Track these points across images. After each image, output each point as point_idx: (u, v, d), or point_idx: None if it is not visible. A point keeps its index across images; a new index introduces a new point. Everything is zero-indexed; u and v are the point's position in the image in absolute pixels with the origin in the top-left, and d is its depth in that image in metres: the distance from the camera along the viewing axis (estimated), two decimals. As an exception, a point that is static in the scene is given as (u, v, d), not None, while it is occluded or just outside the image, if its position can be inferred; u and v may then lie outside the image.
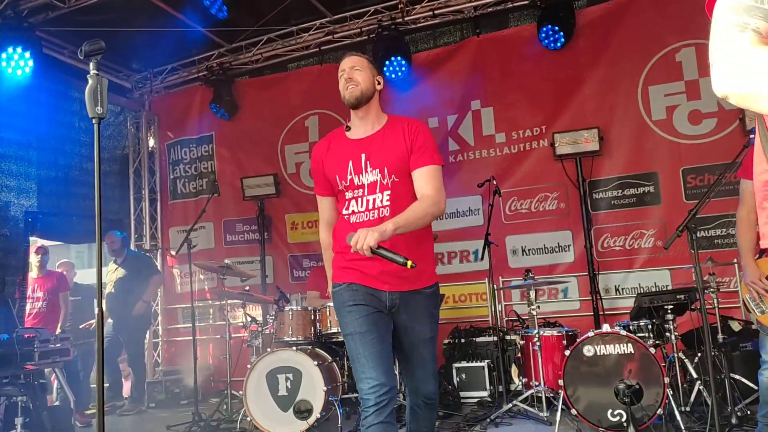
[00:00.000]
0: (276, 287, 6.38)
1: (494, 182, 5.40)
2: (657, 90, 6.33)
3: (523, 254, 6.78)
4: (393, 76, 6.93)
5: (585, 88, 6.60)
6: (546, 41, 6.51)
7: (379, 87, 2.76)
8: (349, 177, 2.67)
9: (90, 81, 2.08)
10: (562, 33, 6.43)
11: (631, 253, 6.38)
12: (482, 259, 5.76)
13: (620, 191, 6.45)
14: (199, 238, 7.77)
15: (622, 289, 6.40)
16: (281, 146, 7.85)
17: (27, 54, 5.87)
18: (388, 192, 2.62)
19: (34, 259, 6.46)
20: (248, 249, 7.92)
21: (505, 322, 6.60)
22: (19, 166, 6.73)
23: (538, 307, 5.06)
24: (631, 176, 6.40)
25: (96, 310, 5.87)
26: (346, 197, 2.70)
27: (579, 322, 6.02)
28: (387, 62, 6.86)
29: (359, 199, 2.66)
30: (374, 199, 2.63)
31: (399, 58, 6.90)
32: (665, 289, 6.06)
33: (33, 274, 6.50)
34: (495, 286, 5.88)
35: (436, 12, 6.96)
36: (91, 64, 2.08)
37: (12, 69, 5.87)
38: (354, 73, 2.69)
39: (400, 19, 7.02)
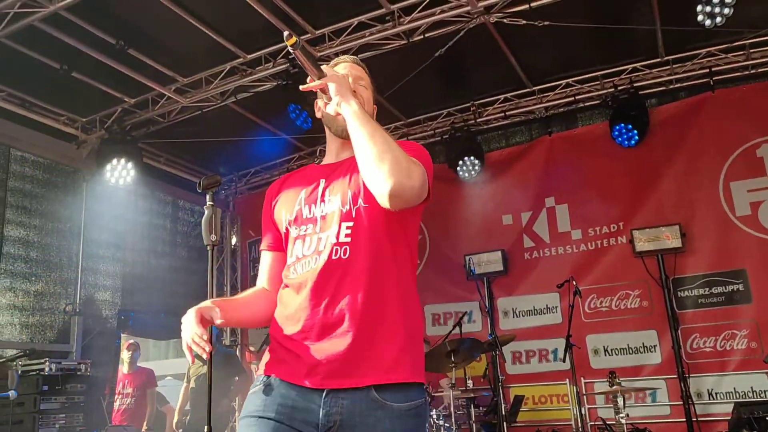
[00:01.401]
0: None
1: (574, 282, 5.33)
2: (739, 186, 6.20)
3: (605, 354, 6.55)
4: (466, 175, 7.12)
5: (663, 185, 6.54)
6: (620, 139, 6.56)
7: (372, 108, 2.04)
8: (296, 208, 1.89)
9: (206, 212, 2.26)
10: (635, 131, 6.48)
11: (724, 355, 6.05)
12: (564, 360, 5.60)
13: (707, 289, 6.21)
14: (276, 333, 7.92)
15: (716, 393, 6.02)
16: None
17: (129, 165, 6.39)
18: (349, 224, 1.76)
19: (125, 355, 6.72)
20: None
21: (590, 427, 6.30)
22: (114, 266, 7.18)
23: (627, 414, 4.84)
24: (718, 274, 6.18)
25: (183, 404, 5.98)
26: (291, 237, 1.88)
27: (671, 430, 5.69)
28: (460, 161, 7.07)
29: (306, 239, 1.82)
30: (327, 237, 1.77)
31: (472, 157, 7.09)
32: (764, 394, 5.68)
33: (124, 369, 6.74)
34: (577, 389, 5.67)
35: (507, 113, 7.17)
36: (207, 197, 2.27)
37: (115, 179, 6.38)
38: (360, 89, 1.96)
39: (473, 121, 7.26)
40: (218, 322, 1.85)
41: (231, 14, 5.45)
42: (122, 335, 7.02)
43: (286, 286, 1.86)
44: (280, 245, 1.98)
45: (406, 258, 1.83)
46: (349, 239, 1.75)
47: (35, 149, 6.46)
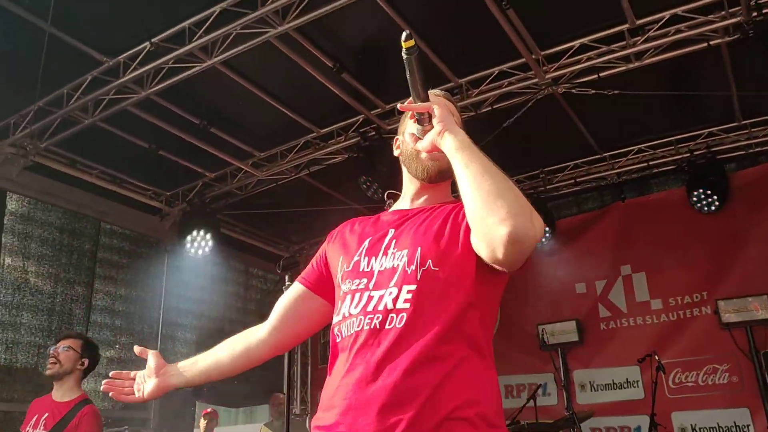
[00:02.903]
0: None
1: (656, 357, 5.09)
2: (833, 252, 5.84)
3: (693, 433, 6.13)
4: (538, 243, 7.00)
5: (747, 251, 6.23)
6: (699, 205, 6.35)
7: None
8: (355, 259, 1.62)
9: (285, 291, 2.34)
10: (715, 196, 6.26)
11: (828, 437, 5.56)
12: (648, 440, 5.29)
13: (804, 365, 5.78)
14: (346, 403, 7.86)
15: (822, 480, 5.51)
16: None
17: (208, 236, 6.67)
18: (411, 288, 1.48)
19: (202, 423, 6.81)
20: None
21: None
22: (190, 333, 7.41)
23: (722, 503, 4.48)
24: (815, 348, 5.75)
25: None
26: (341, 291, 1.61)
27: None
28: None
29: (356, 295, 1.55)
30: (381, 297, 1.50)
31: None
32: None
33: (200, 438, 6.83)
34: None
35: (578, 180, 7.09)
36: (287, 277, 2.35)
37: (194, 249, 6.66)
38: None
39: (542, 188, 7.21)
40: (174, 381, 1.82)
41: (305, 92, 5.72)
42: (197, 402, 7.14)
43: (336, 351, 1.58)
44: (315, 285, 1.77)
45: (478, 340, 1.49)
46: (408, 305, 1.45)
47: (123, 222, 6.87)
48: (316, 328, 1.81)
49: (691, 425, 6.15)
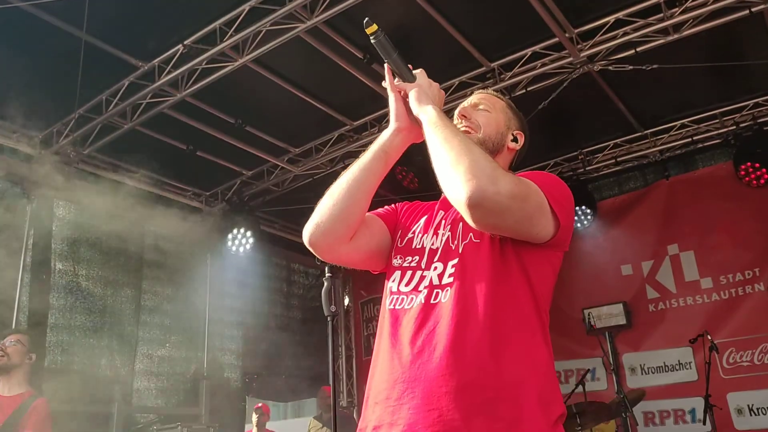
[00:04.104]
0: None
1: (709, 337, 4.94)
2: None
3: (751, 414, 5.93)
4: (579, 225, 6.88)
5: (801, 224, 6.00)
6: (747, 178, 6.12)
7: (513, 145, 1.78)
8: (409, 236, 1.73)
9: (326, 283, 2.34)
10: (764, 169, 6.03)
11: None
12: (704, 423, 5.14)
13: None
14: (392, 394, 7.89)
15: None
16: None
17: (248, 233, 6.75)
18: (454, 262, 1.55)
19: (254, 418, 6.91)
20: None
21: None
22: (237, 330, 7.53)
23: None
24: None
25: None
26: (392, 264, 1.70)
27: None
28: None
29: (407, 272, 1.64)
30: (429, 276, 1.58)
31: (584, 207, 6.87)
32: None
33: (254, 431, 6.93)
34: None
35: (618, 159, 6.92)
36: (326, 268, 2.35)
37: (236, 247, 6.75)
38: (474, 113, 1.78)
39: (581, 169, 7.06)
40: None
41: (337, 85, 5.73)
42: (247, 397, 7.26)
43: (390, 328, 1.60)
44: (384, 221, 1.81)
45: (525, 308, 1.50)
46: (452, 278, 1.51)
47: (165, 223, 6.99)
48: (362, 254, 1.78)
49: (748, 406, 5.96)
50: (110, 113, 5.44)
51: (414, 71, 1.72)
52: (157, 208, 6.84)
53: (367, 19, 1.56)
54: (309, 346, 8.24)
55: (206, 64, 4.99)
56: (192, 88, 5.20)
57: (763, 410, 5.89)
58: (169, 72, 5.07)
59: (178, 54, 4.98)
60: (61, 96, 5.16)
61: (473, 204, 1.35)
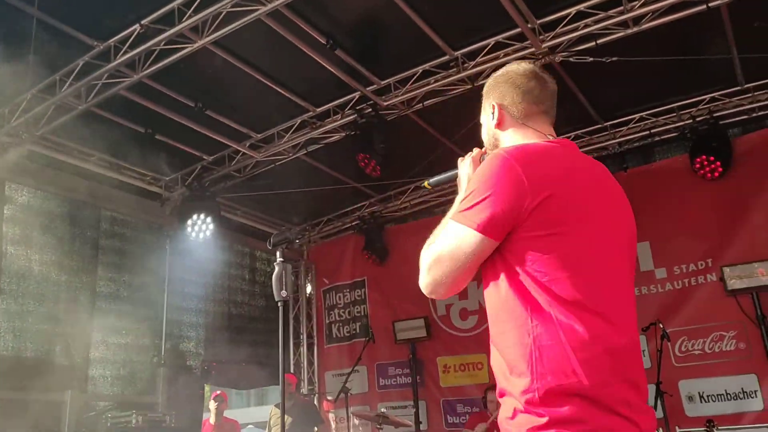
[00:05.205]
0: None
1: (661, 325, 5.06)
2: (840, 214, 5.77)
3: (701, 401, 6.12)
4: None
5: (753, 218, 6.16)
6: (702, 171, 6.27)
7: (497, 122, 1.84)
8: None
9: (276, 268, 2.31)
10: (718, 162, 6.18)
11: (836, 401, 5.54)
12: (655, 408, 5.28)
13: (811, 329, 5.74)
14: (353, 381, 7.89)
15: (831, 443, 5.50)
16: (431, 288, 7.98)
17: (208, 219, 6.66)
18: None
19: (212, 406, 6.83)
20: (401, 393, 7.89)
21: (688, 481, 5.86)
22: (197, 317, 7.44)
23: (730, 468, 4.48)
24: (822, 312, 5.71)
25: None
26: None
27: (781, 484, 5.21)
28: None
29: None
30: None
31: (545, 197, 6.95)
32: None
33: (210, 420, 6.84)
34: (672, 439, 5.32)
35: (581, 150, 6.99)
36: (278, 253, 2.32)
37: (196, 233, 6.65)
38: (482, 122, 1.93)
39: (543, 161, 7.12)
40: None
41: (300, 71, 5.66)
42: (206, 385, 7.19)
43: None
44: None
45: (509, 296, 1.56)
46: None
47: (123, 208, 6.86)
48: None
49: (699, 393, 6.14)
50: (64, 94, 5.28)
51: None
52: (114, 192, 6.70)
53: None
54: (271, 334, 8.20)
55: (164, 45, 4.87)
56: (149, 70, 5.07)
57: (713, 397, 6.08)
58: (126, 52, 4.93)
59: (135, 34, 4.84)
60: (14, 76, 4.98)
61: (428, 294, 1.66)
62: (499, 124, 1.82)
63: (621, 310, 1.58)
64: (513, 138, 1.80)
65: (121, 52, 4.95)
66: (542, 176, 1.55)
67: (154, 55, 5.01)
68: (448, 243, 1.58)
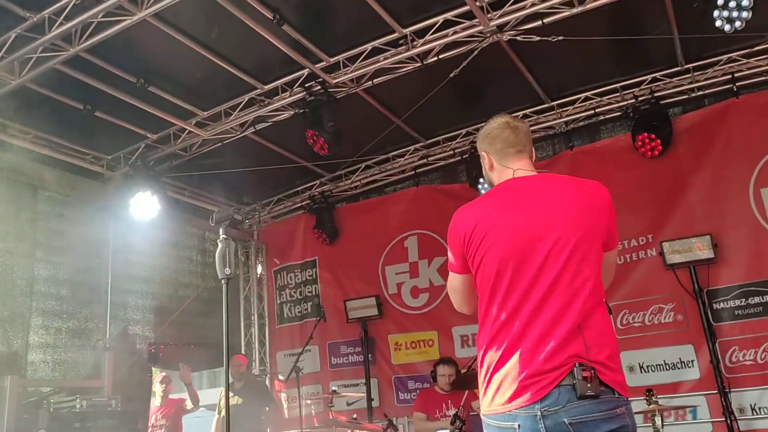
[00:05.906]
0: (384, 414, 6.30)
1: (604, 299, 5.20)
2: (770, 192, 6.03)
3: (641, 371, 6.36)
4: (484, 191, 7.04)
5: (690, 195, 6.39)
6: (643, 150, 6.45)
7: (487, 166, 2.41)
8: None
9: (219, 245, 2.27)
10: (659, 140, 6.37)
11: (766, 367, 5.83)
12: (597, 379, 5.45)
13: (743, 300, 6.01)
14: (305, 361, 7.87)
15: (759, 408, 5.80)
16: (382, 267, 8.02)
17: (154, 198, 6.47)
18: None
19: (158, 389, 6.73)
20: (353, 371, 7.93)
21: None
22: (144, 299, 7.28)
23: (666, 434, 4.68)
24: (753, 284, 5.97)
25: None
26: None
27: (714, 448, 5.48)
28: (481, 180, 7.01)
29: None
30: None
31: (493, 176, 7.03)
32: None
33: (156, 402, 6.74)
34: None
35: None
36: (221, 230, 2.28)
37: (140, 214, 6.46)
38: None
39: (493, 139, 7.19)
40: None
41: (246, 47, 5.53)
42: (153, 368, 7.06)
43: None
44: None
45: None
46: None
47: (62, 188, 6.60)
48: None
49: (639, 364, 6.38)
50: (-5, 67, 5.02)
51: None
52: (53, 171, 6.45)
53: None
54: (221, 316, 8.07)
55: (102, 17, 4.67)
56: (87, 43, 4.86)
57: (652, 368, 6.33)
58: (61, 24, 4.71)
59: (71, 5, 4.62)
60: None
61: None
62: (489, 168, 2.39)
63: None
64: (497, 177, 2.37)
65: (56, 24, 4.72)
66: (466, 219, 2.23)
67: (91, 28, 4.81)
68: (448, 282, 2.39)
